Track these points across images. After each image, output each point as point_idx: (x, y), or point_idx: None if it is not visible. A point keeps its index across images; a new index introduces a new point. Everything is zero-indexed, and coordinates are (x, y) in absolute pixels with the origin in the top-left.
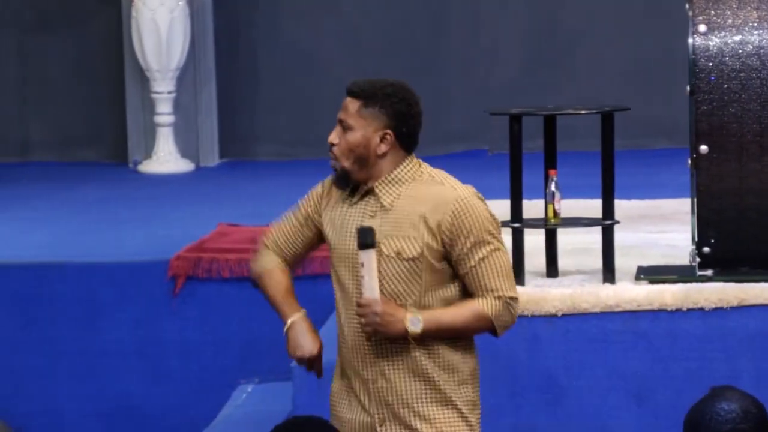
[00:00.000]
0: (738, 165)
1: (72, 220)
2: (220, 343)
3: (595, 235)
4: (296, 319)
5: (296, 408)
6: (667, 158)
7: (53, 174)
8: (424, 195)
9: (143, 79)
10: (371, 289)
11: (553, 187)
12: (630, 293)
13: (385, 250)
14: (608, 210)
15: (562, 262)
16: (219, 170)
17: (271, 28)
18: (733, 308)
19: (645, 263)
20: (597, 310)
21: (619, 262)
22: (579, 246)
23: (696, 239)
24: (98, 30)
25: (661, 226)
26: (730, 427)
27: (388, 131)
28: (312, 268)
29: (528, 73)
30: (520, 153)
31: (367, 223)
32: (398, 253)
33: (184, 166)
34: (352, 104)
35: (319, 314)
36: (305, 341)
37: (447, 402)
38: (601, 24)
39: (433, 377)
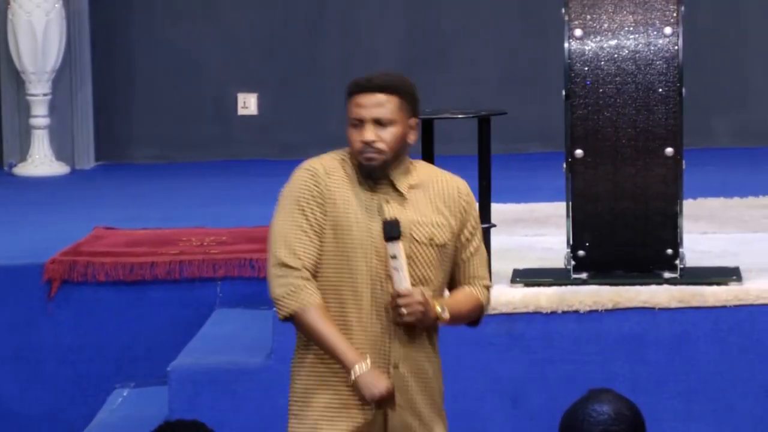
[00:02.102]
0: (613, 169)
1: None
2: (95, 347)
3: None
4: (365, 366)
5: (172, 412)
6: (542, 162)
7: None
8: (432, 183)
9: (19, 81)
10: (405, 280)
11: None
12: (506, 296)
13: (416, 236)
14: (485, 213)
15: None
16: (95, 173)
17: (148, 31)
18: (607, 311)
19: (521, 266)
20: None
21: (496, 265)
22: None
23: (571, 242)
24: None
25: (536, 230)
26: (601, 429)
27: (415, 119)
28: (190, 271)
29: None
30: None
31: (387, 210)
32: (431, 239)
33: (59, 168)
34: (388, 101)
35: (195, 318)
36: (381, 379)
37: (440, 394)
38: (477, 27)
39: (436, 372)
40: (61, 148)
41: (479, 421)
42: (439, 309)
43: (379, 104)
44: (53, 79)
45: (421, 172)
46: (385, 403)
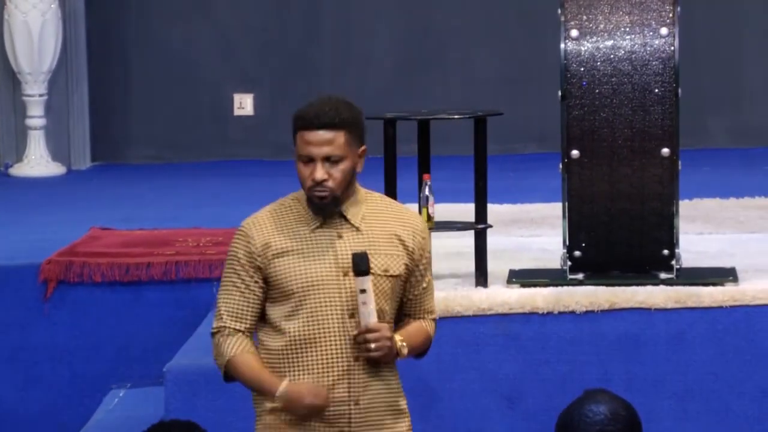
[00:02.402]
0: (609, 169)
1: None
2: (91, 347)
3: (468, 239)
4: (286, 383)
5: (168, 412)
6: (538, 162)
7: None
8: (386, 214)
9: (15, 82)
10: (373, 314)
11: (427, 192)
12: (502, 296)
13: (372, 267)
14: (481, 214)
15: (436, 266)
16: (91, 173)
17: (144, 32)
18: (603, 311)
19: (517, 267)
20: (470, 313)
21: (492, 265)
22: (452, 250)
23: (567, 243)
24: None
25: (532, 230)
26: (597, 429)
27: (364, 148)
28: (186, 271)
29: (401, 78)
30: (395, 157)
31: (339, 244)
32: (386, 271)
33: (55, 169)
34: (337, 136)
35: (191, 318)
36: (308, 387)
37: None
38: (473, 28)
39: (397, 398)
40: (57, 149)
41: (475, 422)
42: (399, 344)
43: (328, 141)
44: (49, 79)
45: (376, 203)
46: (322, 404)
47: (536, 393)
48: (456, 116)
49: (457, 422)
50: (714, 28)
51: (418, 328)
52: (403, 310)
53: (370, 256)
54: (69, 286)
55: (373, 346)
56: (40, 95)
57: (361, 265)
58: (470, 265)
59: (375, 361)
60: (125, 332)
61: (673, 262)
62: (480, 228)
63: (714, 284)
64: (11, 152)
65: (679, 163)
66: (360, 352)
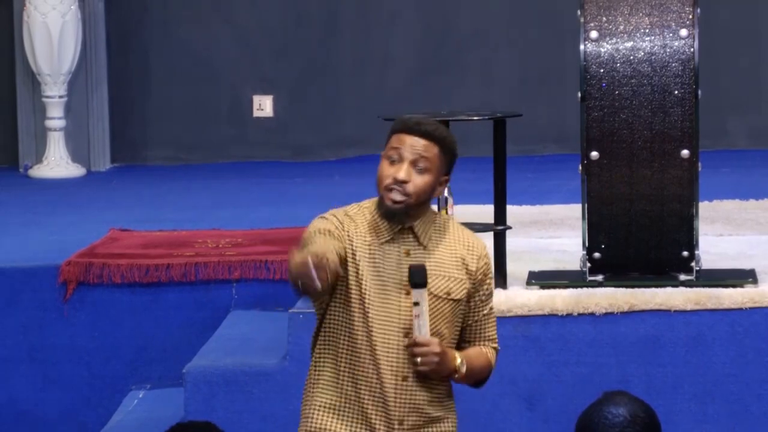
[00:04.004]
0: (629, 171)
1: None
2: (111, 348)
3: (488, 240)
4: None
5: (187, 414)
6: (557, 164)
7: None
8: (453, 238)
9: (34, 83)
10: (424, 328)
11: (446, 193)
12: (521, 298)
13: (433, 289)
14: (500, 215)
15: None
16: (110, 175)
17: (163, 33)
18: (623, 313)
19: (536, 268)
20: None
21: (511, 267)
22: None
23: (586, 245)
24: None
25: (552, 232)
26: (617, 431)
27: (447, 177)
28: (205, 273)
29: (420, 79)
30: None
31: (405, 261)
32: (448, 294)
33: (75, 170)
34: (431, 148)
35: (211, 319)
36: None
37: None
38: (493, 29)
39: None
40: (77, 150)
41: (495, 423)
42: (458, 362)
43: (423, 148)
44: (69, 81)
45: (445, 225)
46: (303, 278)
47: (555, 395)
48: (475, 117)
49: (476, 424)
50: (733, 30)
51: (478, 352)
52: (463, 337)
53: (434, 277)
54: (88, 287)
55: (419, 360)
56: (60, 97)
57: (417, 277)
58: None
59: (427, 377)
60: (144, 333)
61: (693, 264)
62: (499, 229)
63: (734, 286)
64: (31, 154)
65: (699, 164)
66: (410, 367)
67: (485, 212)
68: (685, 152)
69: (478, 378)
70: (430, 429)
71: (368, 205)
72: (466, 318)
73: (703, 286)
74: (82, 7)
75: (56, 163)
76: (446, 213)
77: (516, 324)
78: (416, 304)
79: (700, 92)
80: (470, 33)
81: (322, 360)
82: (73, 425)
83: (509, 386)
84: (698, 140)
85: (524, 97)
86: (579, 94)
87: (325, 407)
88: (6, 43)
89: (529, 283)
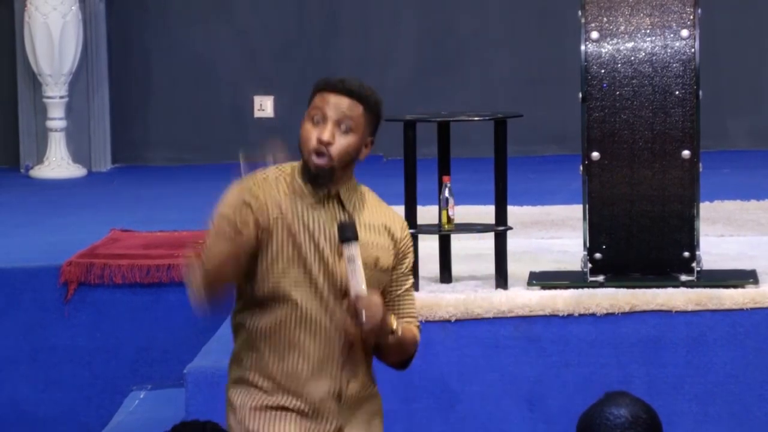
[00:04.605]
0: (630, 172)
1: None
2: (112, 349)
3: (489, 241)
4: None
5: (189, 414)
6: (558, 164)
7: None
8: (376, 207)
9: (35, 84)
10: (363, 282)
11: (446, 194)
12: (522, 299)
13: (363, 257)
14: (501, 216)
15: (456, 268)
16: (111, 175)
17: (164, 34)
18: (624, 314)
19: (537, 269)
20: (490, 315)
21: (512, 267)
22: (472, 252)
23: (587, 245)
24: None
25: (553, 232)
26: None
27: (372, 139)
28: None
29: (420, 79)
30: (415, 159)
31: (332, 228)
32: (376, 262)
33: (76, 171)
34: (355, 108)
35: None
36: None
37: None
38: (492, 29)
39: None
40: (78, 151)
41: (495, 424)
42: (393, 320)
43: (347, 107)
44: (70, 81)
45: (367, 194)
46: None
47: (557, 395)
48: (476, 118)
49: (477, 424)
50: (734, 30)
51: (405, 327)
52: None
53: (362, 246)
54: (90, 287)
55: (365, 314)
56: (61, 97)
57: (347, 231)
58: (490, 268)
59: (367, 346)
60: (146, 334)
61: (694, 265)
62: (500, 230)
63: (735, 286)
64: (32, 154)
65: (700, 165)
66: (355, 324)
67: (486, 213)
68: (686, 153)
69: (406, 351)
70: (367, 406)
71: (289, 170)
72: (386, 293)
73: (704, 286)
74: (83, 7)
75: (57, 163)
76: (446, 213)
77: (517, 324)
78: (350, 260)
79: (701, 93)
80: (470, 33)
81: (247, 335)
82: (73, 426)
83: (510, 387)
84: (699, 141)
85: (525, 97)
86: (580, 95)
87: (254, 386)
88: (7, 44)
89: (530, 283)
